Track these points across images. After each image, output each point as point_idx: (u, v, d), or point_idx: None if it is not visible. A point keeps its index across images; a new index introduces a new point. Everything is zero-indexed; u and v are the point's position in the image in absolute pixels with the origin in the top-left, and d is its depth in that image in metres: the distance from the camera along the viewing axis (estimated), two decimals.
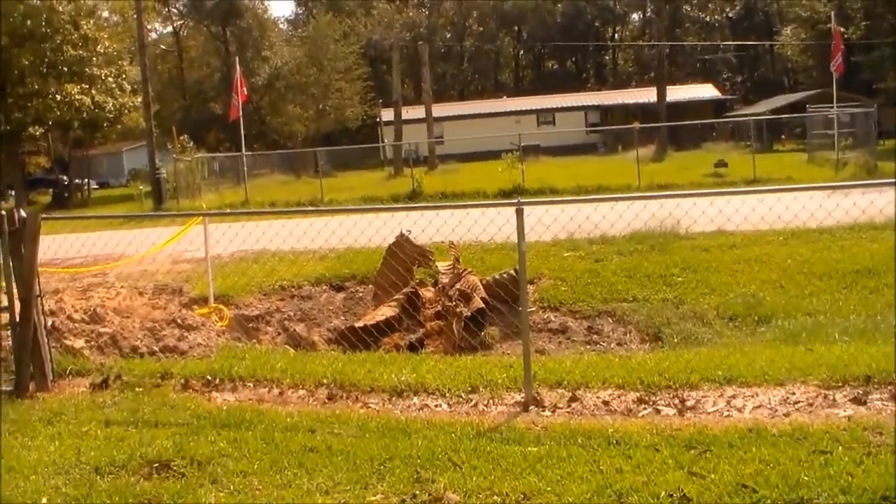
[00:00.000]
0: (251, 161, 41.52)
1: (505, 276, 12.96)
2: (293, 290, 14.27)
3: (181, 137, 43.96)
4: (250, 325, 12.52)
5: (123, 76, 47.91)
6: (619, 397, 6.98)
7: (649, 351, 10.62)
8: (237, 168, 37.74)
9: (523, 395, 7.04)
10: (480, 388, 7.31)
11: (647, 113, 56.85)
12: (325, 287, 14.46)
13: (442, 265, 13.77)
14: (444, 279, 13.41)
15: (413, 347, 11.42)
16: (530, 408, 6.76)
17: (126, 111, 48.30)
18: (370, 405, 7.09)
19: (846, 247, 14.01)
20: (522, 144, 34.66)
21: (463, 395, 7.23)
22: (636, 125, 45.70)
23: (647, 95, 64.13)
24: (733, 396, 6.85)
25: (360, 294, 14.06)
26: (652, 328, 11.61)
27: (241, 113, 35.76)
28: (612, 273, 13.63)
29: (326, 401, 7.27)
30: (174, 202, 35.24)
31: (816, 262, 13.25)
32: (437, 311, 12.19)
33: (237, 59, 40.97)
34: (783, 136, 54.45)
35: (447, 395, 7.25)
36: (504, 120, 63.26)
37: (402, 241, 13.11)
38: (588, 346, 11.63)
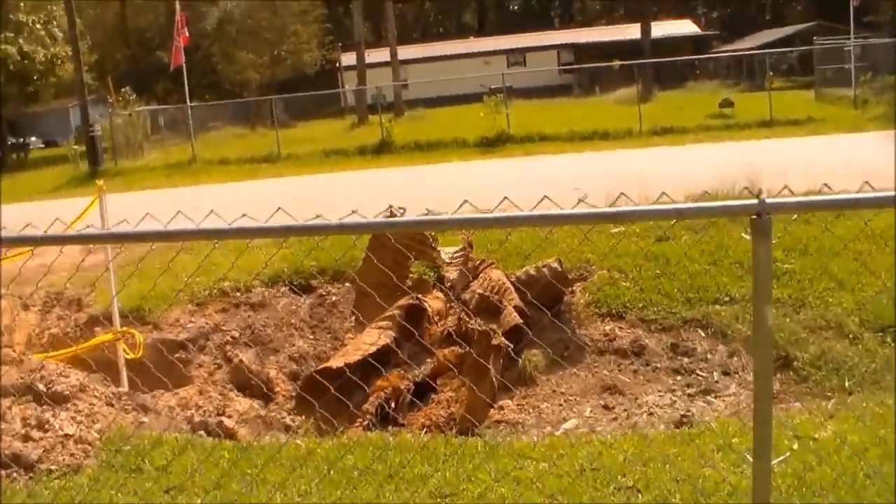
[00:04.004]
0: (201, 113, 37.81)
1: (544, 269, 9.04)
2: (239, 294, 9.94)
3: (123, 89, 39.34)
4: (177, 355, 8.51)
5: (54, 23, 43.05)
6: None
7: (812, 398, 6.80)
8: (186, 121, 33.49)
9: None
10: None
11: (624, 51, 52.67)
12: (283, 288, 10.19)
13: (447, 251, 9.85)
14: (453, 275, 9.50)
15: (419, 393, 7.54)
16: None
17: (59, 62, 43.45)
18: None
19: None
20: (494, 86, 31.40)
21: None
22: (616, 63, 41.74)
23: (624, 32, 60.18)
24: None
25: (335, 297, 9.97)
26: (774, 349, 7.78)
27: (184, 58, 31.35)
28: (688, 259, 9.62)
29: None
30: (112, 163, 31.15)
31: None
32: (451, 331, 8.27)
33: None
34: (771, 74, 50.50)
35: None
36: (472, 62, 58.78)
37: None
38: (680, 379, 7.83)
